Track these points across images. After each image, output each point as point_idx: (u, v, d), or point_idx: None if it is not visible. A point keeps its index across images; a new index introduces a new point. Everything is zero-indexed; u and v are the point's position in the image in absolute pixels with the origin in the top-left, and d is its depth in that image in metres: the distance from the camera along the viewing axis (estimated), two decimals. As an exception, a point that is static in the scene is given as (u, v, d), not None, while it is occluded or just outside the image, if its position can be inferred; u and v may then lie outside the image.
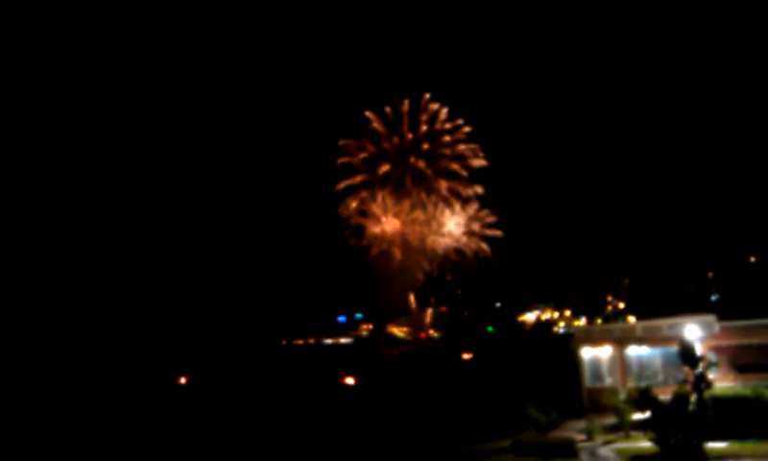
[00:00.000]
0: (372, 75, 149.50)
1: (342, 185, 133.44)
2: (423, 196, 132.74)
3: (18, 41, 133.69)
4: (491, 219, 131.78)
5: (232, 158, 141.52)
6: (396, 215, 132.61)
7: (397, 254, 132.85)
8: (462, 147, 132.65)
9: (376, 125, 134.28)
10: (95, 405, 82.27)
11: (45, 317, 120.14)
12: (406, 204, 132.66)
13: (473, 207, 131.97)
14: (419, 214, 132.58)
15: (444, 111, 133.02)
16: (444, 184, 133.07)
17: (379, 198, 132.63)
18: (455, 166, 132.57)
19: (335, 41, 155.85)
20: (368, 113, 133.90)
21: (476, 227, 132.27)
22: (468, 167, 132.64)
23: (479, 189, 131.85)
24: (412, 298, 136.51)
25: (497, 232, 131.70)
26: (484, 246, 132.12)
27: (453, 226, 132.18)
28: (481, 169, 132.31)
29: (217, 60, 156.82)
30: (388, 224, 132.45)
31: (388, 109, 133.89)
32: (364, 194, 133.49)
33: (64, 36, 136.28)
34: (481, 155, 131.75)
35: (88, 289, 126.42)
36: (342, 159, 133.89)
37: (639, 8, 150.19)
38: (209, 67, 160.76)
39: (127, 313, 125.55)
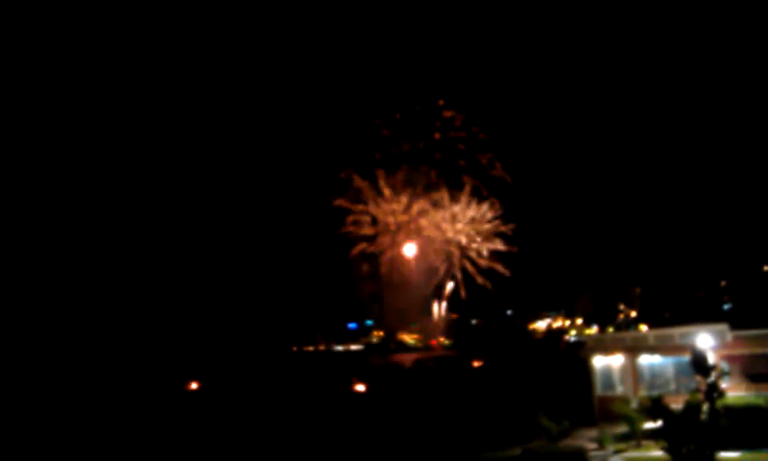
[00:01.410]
0: (385, 85, 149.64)
1: (347, 201, 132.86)
2: (434, 200, 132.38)
3: (18, 41, 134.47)
4: (503, 228, 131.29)
5: (242, 166, 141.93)
6: (407, 223, 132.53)
7: (407, 262, 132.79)
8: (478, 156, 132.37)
9: (386, 132, 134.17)
10: (104, 410, 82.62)
11: (54, 322, 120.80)
12: (415, 209, 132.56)
13: (487, 215, 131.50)
14: (429, 222, 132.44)
15: (460, 119, 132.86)
16: (456, 193, 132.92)
17: (389, 206, 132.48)
18: (468, 180, 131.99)
19: (345, 48, 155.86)
20: (378, 121, 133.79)
21: (488, 234, 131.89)
22: (483, 175, 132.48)
23: (496, 203, 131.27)
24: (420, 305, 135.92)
25: (512, 248, 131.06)
26: (497, 264, 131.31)
27: (464, 237, 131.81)
28: (495, 176, 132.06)
29: (224, 73, 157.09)
30: (398, 232, 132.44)
31: (398, 116, 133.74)
32: (371, 199, 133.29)
33: (64, 37, 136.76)
34: (497, 164, 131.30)
35: (98, 295, 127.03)
36: (346, 172, 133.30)
37: (662, 20, 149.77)
38: (216, 79, 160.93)
39: (137, 319, 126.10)
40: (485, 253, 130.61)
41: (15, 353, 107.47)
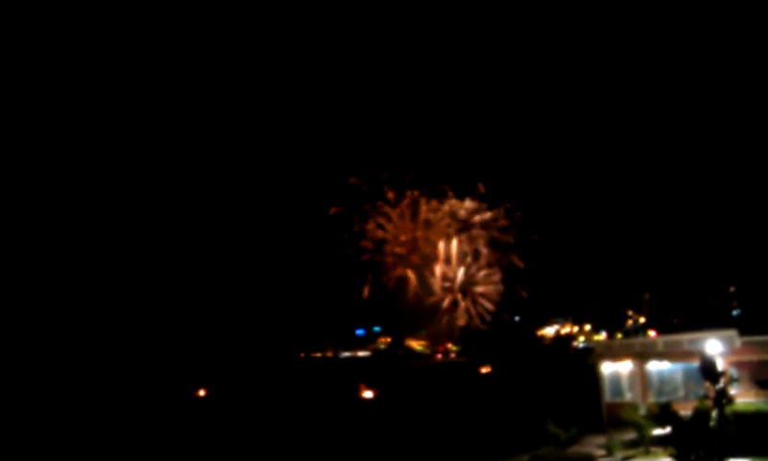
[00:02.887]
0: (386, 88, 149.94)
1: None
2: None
3: (18, 41, 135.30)
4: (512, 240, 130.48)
5: (251, 173, 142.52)
6: (412, 230, 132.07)
7: (413, 272, 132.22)
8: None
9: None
10: (114, 416, 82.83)
11: (64, 330, 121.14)
12: (422, 216, 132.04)
13: (500, 222, 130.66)
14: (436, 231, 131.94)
15: None
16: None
17: (395, 217, 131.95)
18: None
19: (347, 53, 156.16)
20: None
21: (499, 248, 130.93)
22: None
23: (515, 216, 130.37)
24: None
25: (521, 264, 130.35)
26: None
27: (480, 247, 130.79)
28: (500, 188, 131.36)
29: (236, 84, 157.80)
30: (403, 237, 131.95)
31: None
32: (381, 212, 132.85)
33: (64, 36, 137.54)
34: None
35: (109, 303, 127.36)
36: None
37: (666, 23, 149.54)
38: (227, 89, 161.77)
39: (147, 326, 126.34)
40: (497, 278, 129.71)
41: (26, 362, 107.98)
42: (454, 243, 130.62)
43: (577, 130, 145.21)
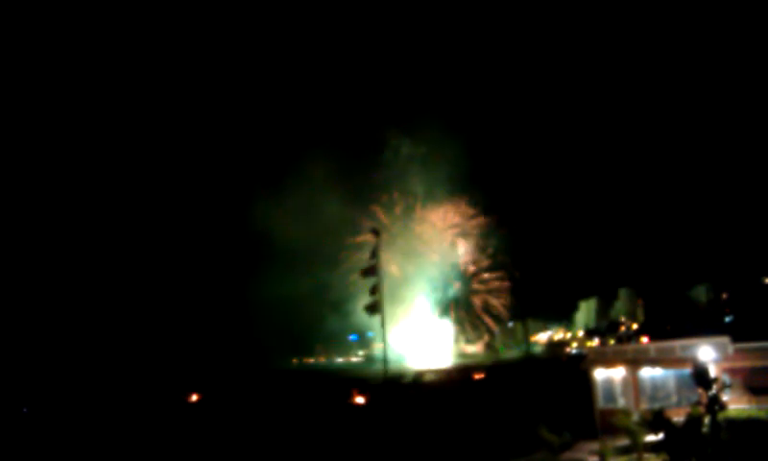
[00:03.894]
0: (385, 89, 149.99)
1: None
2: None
3: (19, 41, 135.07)
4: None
5: (249, 178, 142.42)
6: (407, 236, 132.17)
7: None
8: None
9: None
10: (107, 421, 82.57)
11: (58, 334, 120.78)
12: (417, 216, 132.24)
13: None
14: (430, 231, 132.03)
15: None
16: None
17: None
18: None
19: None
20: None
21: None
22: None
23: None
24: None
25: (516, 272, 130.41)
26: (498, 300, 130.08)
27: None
28: (493, 199, 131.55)
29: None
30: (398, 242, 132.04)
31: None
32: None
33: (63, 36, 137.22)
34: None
35: (102, 307, 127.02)
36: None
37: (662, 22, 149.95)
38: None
39: (139, 332, 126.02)
40: (496, 285, 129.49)
41: (20, 366, 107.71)
42: (448, 249, 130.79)
43: (571, 139, 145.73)
